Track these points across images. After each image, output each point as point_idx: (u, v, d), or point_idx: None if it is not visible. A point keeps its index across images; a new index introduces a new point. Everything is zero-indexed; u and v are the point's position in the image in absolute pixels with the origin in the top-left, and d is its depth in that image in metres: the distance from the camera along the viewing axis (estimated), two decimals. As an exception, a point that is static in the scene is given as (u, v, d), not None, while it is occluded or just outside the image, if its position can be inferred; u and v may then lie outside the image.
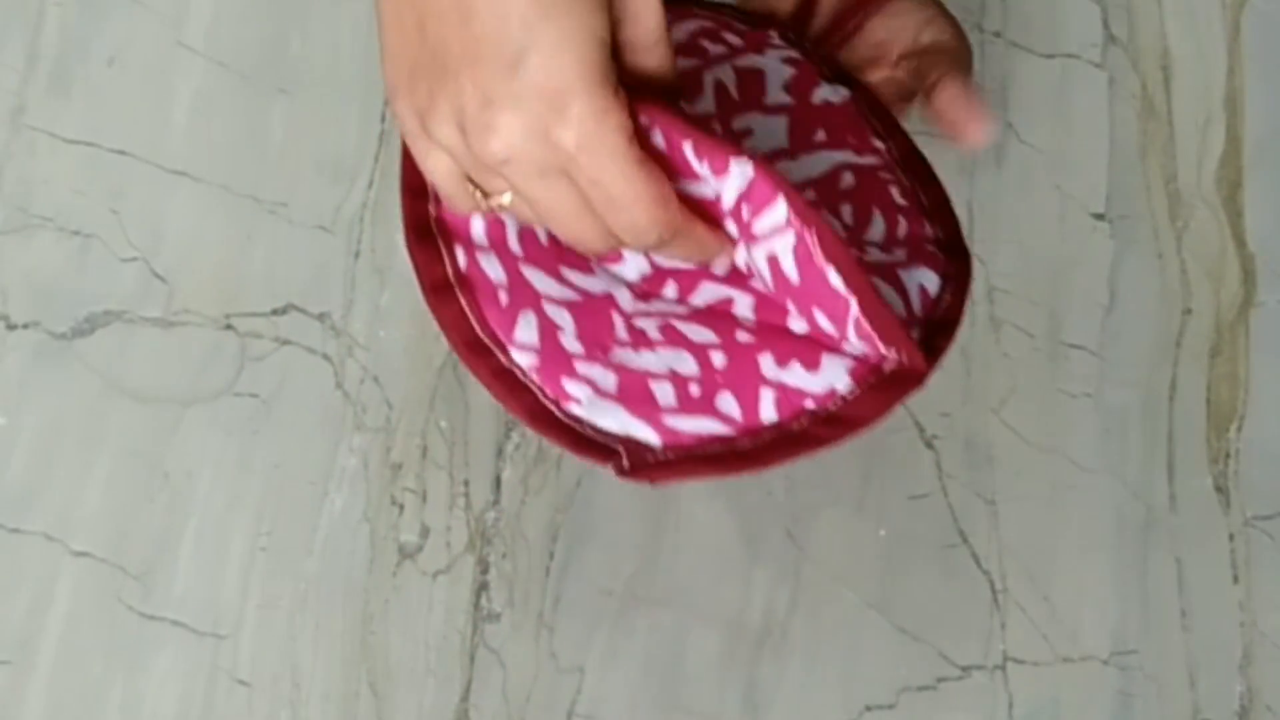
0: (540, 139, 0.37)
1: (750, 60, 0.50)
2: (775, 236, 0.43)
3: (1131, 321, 0.60)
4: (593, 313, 0.46)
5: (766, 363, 0.45)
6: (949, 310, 0.46)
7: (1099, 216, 0.61)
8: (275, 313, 0.58)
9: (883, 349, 0.43)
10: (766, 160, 0.42)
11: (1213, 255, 0.61)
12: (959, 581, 0.56)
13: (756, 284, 0.46)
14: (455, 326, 0.44)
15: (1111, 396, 0.58)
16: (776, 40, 0.52)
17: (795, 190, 0.42)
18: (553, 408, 0.44)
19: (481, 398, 0.57)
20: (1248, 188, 0.62)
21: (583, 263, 0.47)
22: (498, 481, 0.56)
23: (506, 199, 0.40)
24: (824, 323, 0.44)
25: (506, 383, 0.44)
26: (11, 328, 0.57)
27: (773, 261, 0.44)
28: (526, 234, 0.47)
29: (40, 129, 0.60)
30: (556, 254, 0.47)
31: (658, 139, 0.43)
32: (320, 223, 0.59)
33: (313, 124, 0.60)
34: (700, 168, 0.43)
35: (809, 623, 0.54)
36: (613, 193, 0.38)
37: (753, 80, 0.50)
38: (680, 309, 0.47)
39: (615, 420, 0.44)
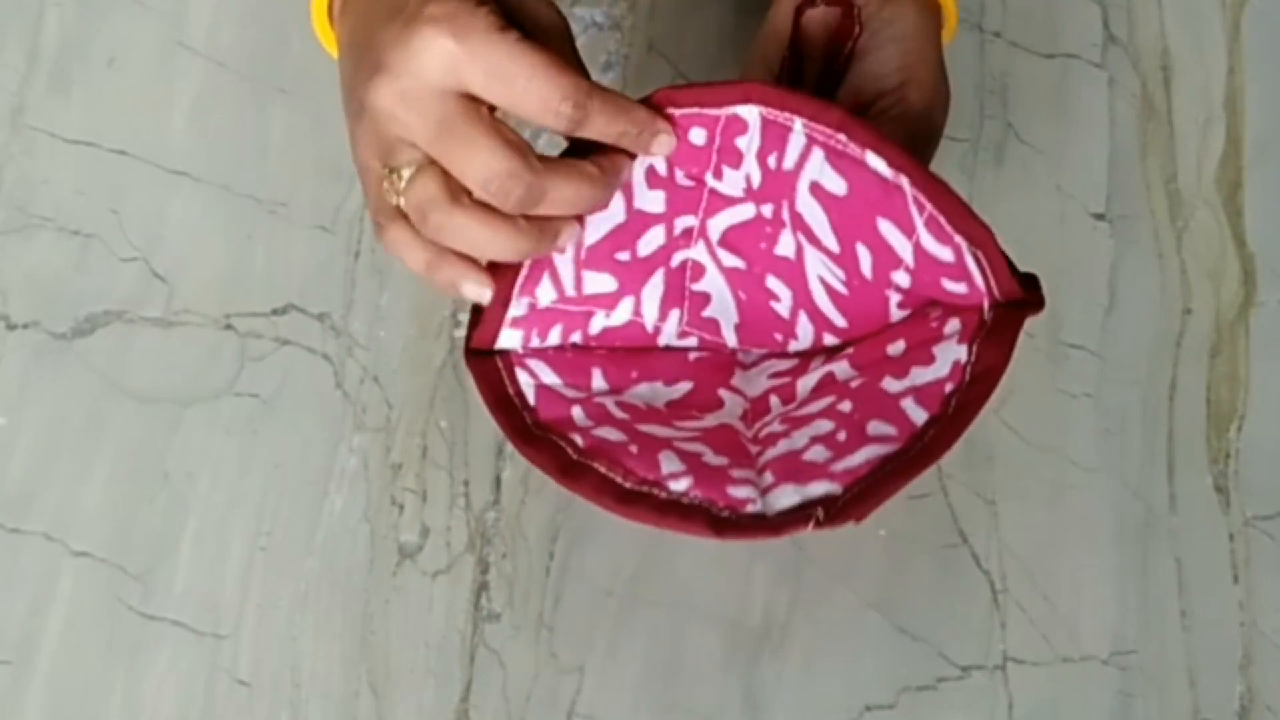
0: (419, 64, 0.39)
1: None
2: (807, 162, 0.43)
3: (1131, 321, 0.60)
4: (721, 438, 0.47)
5: (889, 383, 0.45)
6: (979, 360, 0.45)
7: (1099, 216, 0.61)
8: (275, 313, 0.58)
9: (972, 269, 0.43)
10: (768, 87, 0.43)
11: (1213, 255, 0.61)
12: (959, 581, 0.56)
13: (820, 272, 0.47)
14: (601, 491, 0.44)
15: (1111, 396, 0.58)
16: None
17: (804, 102, 0.42)
18: (729, 514, 0.43)
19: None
20: (1248, 188, 0.62)
21: (689, 415, 0.48)
22: (498, 481, 0.56)
23: (407, 172, 0.42)
24: (896, 241, 0.44)
25: (677, 512, 0.43)
26: (11, 328, 0.57)
27: (817, 190, 0.44)
28: (626, 405, 0.48)
29: (40, 129, 0.60)
30: (661, 415, 0.48)
31: (679, 170, 0.44)
32: (320, 223, 0.59)
33: (313, 124, 0.60)
34: (722, 166, 0.43)
35: (809, 623, 0.54)
36: (508, 74, 0.39)
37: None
38: (791, 407, 0.48)
39: (790, 497, 0.43)
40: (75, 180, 0.59)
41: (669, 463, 0.44)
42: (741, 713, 0.54)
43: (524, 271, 0.47)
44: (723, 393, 0.49)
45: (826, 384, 0.48)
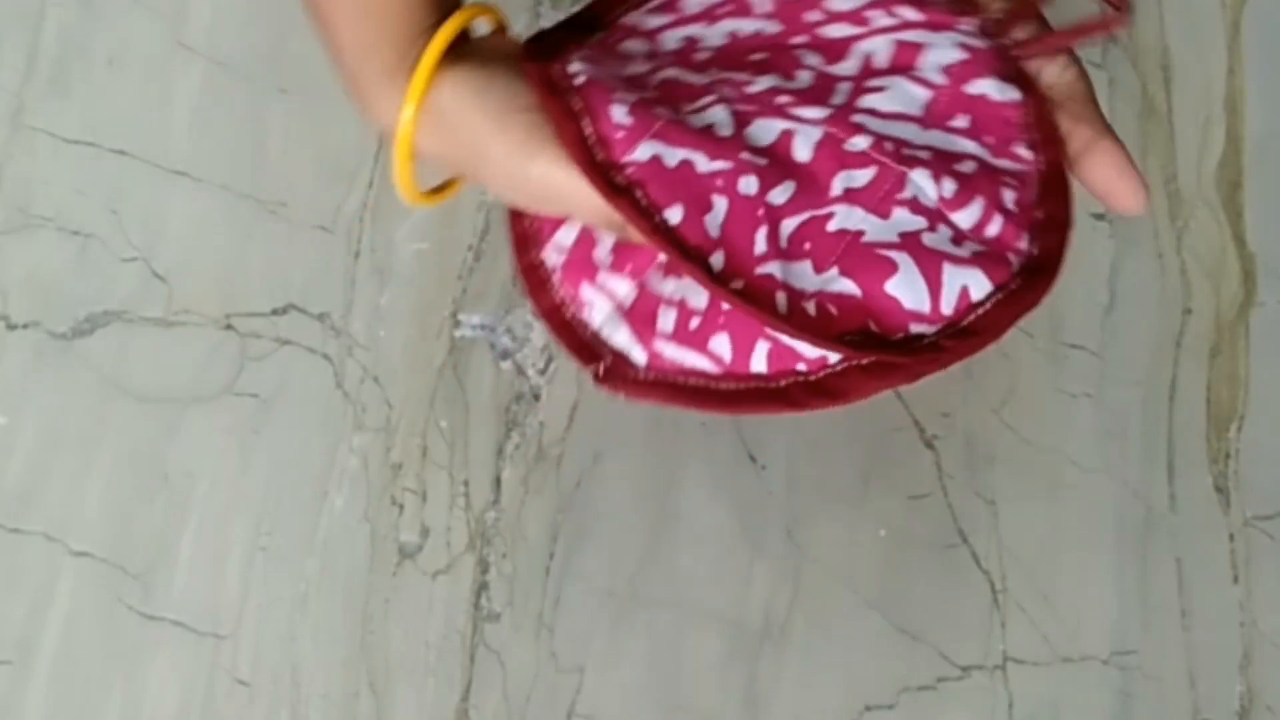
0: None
1: (918, 35, 0.50)
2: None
3: (1131, 321, 0.60)
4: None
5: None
6: (982, 319, 0.46)
7: (1099, 216, 0.61)
8: (275, 313, 0.58)
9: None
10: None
11: (1213, 255, 0.61)
12: (959, 581, 0.56)
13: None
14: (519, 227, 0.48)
15: (1111, 396, 0.58)
16: (964, 28, 0.50)
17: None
18: (565, 311, 0.47)
19: (481, 398, 0.57)
20: (1248, 188, 0.62)
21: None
22: (498, 481, 0.56)
23: None
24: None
25: (533, 280, 0.47)
26: (11, 328, 0.57)
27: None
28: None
29: (40, 129, 0.60)
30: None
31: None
32: (320, 223, 0.59)
33: (313, 124, 0.60)
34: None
35: (809, 622, 0.54)
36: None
37: (909, 52, 0.50)
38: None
39: (623, 337, 0.46)
40: (75, 180, 0.59)
41: (564, 232, 0.49)
42: (741, 712, 0.54)
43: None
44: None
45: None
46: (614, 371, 0.46)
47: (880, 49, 0.49)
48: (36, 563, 0.54)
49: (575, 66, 0.47)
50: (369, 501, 0.56)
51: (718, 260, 0.45)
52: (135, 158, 0.60)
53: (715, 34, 0.50)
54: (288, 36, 0.62)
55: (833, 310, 0.45)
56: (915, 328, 0.45)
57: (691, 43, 0.50)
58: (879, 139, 0.47)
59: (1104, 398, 0.58)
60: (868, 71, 0.49)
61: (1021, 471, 0.57)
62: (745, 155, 0.46)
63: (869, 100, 0.48)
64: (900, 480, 0.57)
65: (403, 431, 0.57)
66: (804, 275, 0.46)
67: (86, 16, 0.61)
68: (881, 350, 0.44)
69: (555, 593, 0.55)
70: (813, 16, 0.50)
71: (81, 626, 0.54)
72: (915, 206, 0.46)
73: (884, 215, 0.46)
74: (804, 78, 0.48)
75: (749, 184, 0.46)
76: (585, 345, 0.47)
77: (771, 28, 0.51)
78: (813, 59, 0.49)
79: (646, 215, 0.45)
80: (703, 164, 0.46)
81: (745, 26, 0.51)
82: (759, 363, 0.45)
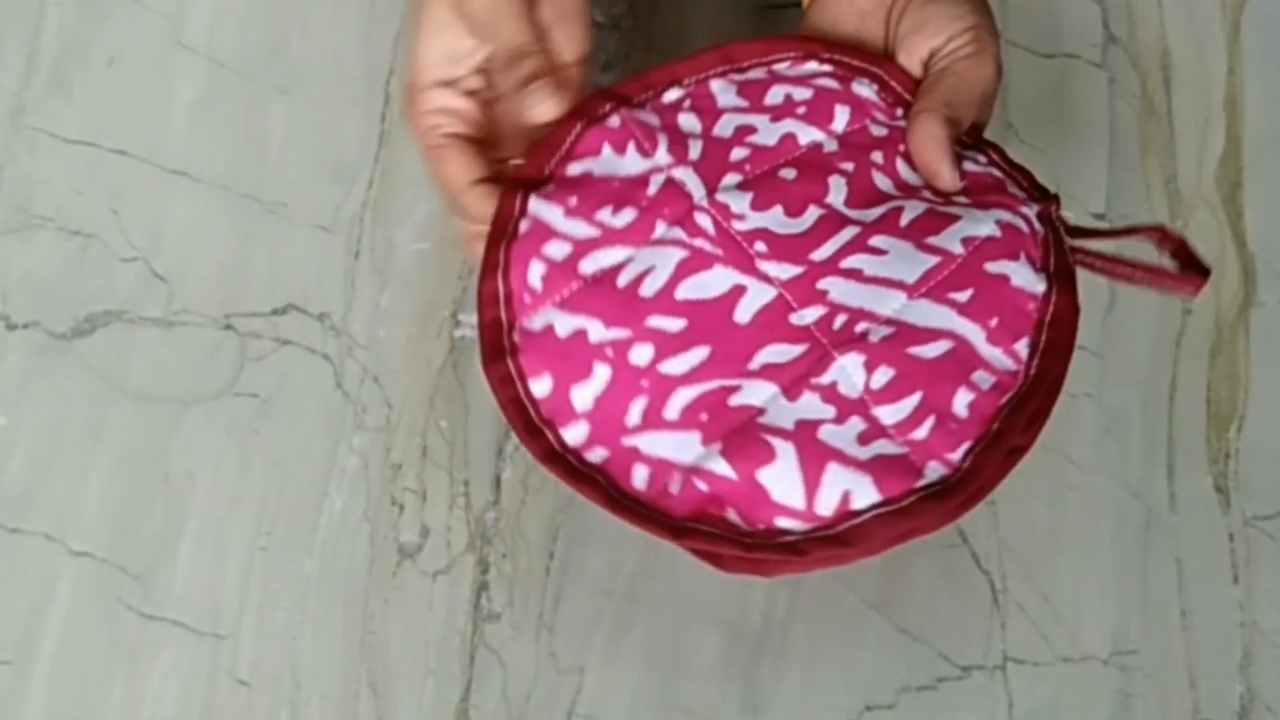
0: None
1: (957, 208, 0.47)
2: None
3: (1131, 321, 0.60)
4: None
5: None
6: (856, 530, 0.41)
7: (1099, 216, 0.61)
8: (275, 313, 0.58)
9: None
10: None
11: (1213, 255, 0.61)
12: (959, 581, 0.56)
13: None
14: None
15: (1111, 396, 0.58)
16: (1024, 209, 0.47)
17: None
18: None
19: (481, 398, 0.57)
20: (1248, 188, 0.62)
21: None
22: (498, 481, 0.56)
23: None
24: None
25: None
26: (11, 328, 0.57)
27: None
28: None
29: (40, 129, 0.60)
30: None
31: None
32: (320, 223, 0.59)
33: (313, 124, 0.60)
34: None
35: (809, 623, 0.54)
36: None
37: (937, 221, 0.47)
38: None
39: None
40: (75, 180, 0.59)
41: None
42: (741, 713, 0.54)
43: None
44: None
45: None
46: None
47: (911, 210, 0.46)
48: (36, 563, 0.54)
49: (533, 206, 0.47)
50: (369, 501, 0.56)
51: (579, 432, 0.44)
52: (135, 158, 0.60)
53: (771, 132, 0.49)
54: (288, 36, 0.62)
55: (701, 488, 0.43)
56: (782, 522, 0.42)
57: (744, 131, 0.49)
58: (833, 311, 0.44)
59: (1104, 398, 0.58)
60: (883, 225, 0.46)
61: (1021, 471, 0.57)
62: (653, 320, 0.45)
63: (858, 260, 0.45)
64: (900, 480, 0.57)
65: (403, 431, 0.57)
66: (687, 447, 0.43)
67: (86, 16, 0.61)
68: (716, 541, 0.42)
69: (555, 593, 0.55)
70: (875, 157, 0.49)
71: (81, 626, 0.54)
72: (829, 394, 0.43)
73: (792, 398, 0.43)
74: (810, 216, 0.47)
75: (641, 354, 0.44)
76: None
77: (831, 146, 0.49)
78: (839, 194, 0.47)
79: (509, 383, 0.45)
80: (596, 332, 0.45)
81: (804, 134, 0.49)
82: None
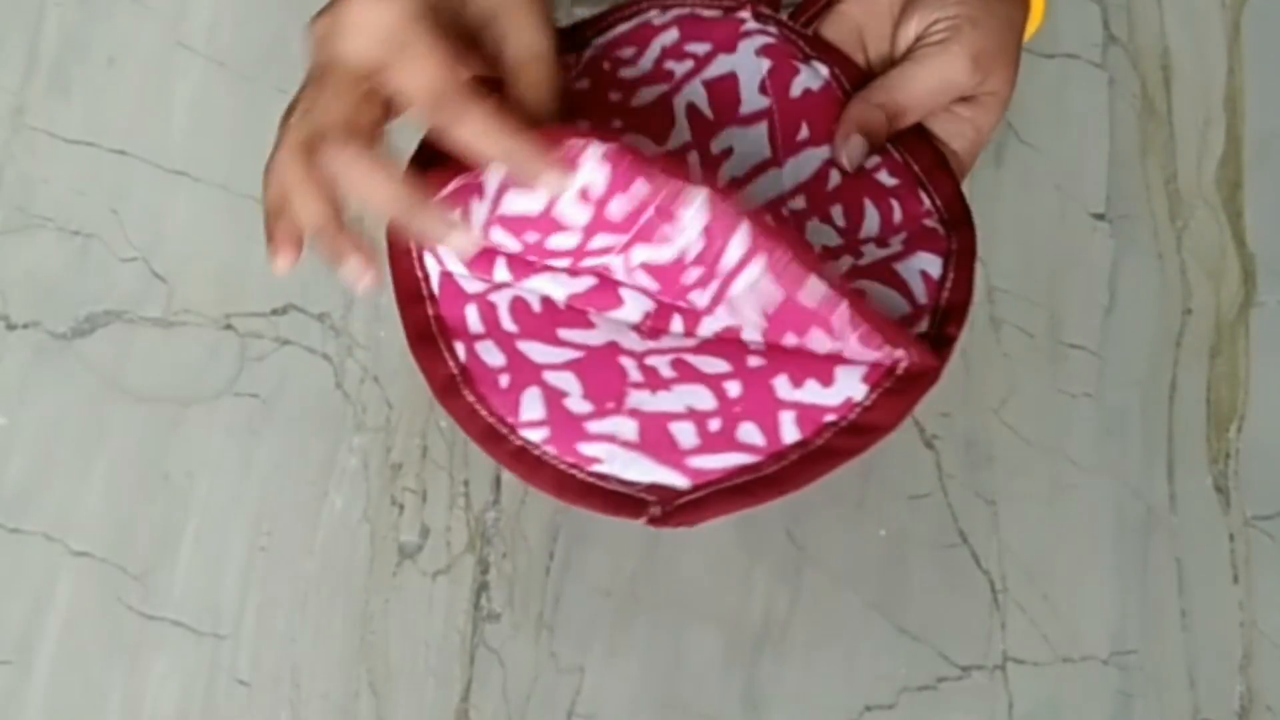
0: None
1: (721, 65, 0.49)
2: (749, 264, 0.43)
3: (1131, 321, 0.60)
4: (599, 366, 0.46)
5: (782, 385, 0.44)
6: (955, 292, 0.45)
7: (1099, 216, 0.61)
8: (275, 313, 0.58)
9: (891, 350, 0.43)
10: (722, 191, 0.43)
11: (1213, 255, 0.61)
12: (959, 581, 0.56)
13: (750, 317, 0.46)
14: (468, 420, 0.45)
15: (1111, 396, 0.58)
16: (750, 24, 0.50)
17: (756, 217, 0.42)
18: (576, 473, 0.44)
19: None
20: (1248, 188, 0.62)
21: (580, 319, 0.47)
22: (498, 481, 0.56)
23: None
24: (822, 341, 0.44)
25: (526, 462, 0.44)
26: (11, 328, 0.57)
27: (755, 292, 0.44)
28: (518, 306, 0.47)
29: (40, 129, 0.60)
30: (551, 319, 0.47)
31: (614, 206, 0.43)
32: (320, 223, 0.59)
33: (313, 124, 0.60)
34: (657, 224, 0.43)
35: (809, 623, 0.54)
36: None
37: (726, 91, 0.49)
38: (689, 342, 0.47)
39: (641, 470, 0.44)
40: (75, 180, 0.59)
41: (529, 407, 0.45)
42: (741, 713, 0.54)
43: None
44: (625, 292, 0.47)
45: (729, 342, 0.46)
46: (666, 507, 0.43)
47: (698, 98, 0.48)
48: (36, 563, 0.54)
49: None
50: (369, 501, 0.56)
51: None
52: (135, 158, 0.60)
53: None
54: (288, 36, 0.62)
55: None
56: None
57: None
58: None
59: (1104, 398, 0.58)
60: (700, 129, 0.48)
61: (1021, 471, 0.57)
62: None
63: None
64: (900, 480, 0.57)
65: (403, 431, 0.57)
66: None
67: (86, 16, 0.61)
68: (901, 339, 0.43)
69: (555, 593, 0.55)
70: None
71: (81, 626, 0.54)
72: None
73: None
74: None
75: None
76: (619, 497, 0.44)
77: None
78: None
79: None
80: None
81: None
82: (790, 432, 0.44)
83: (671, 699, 0.54)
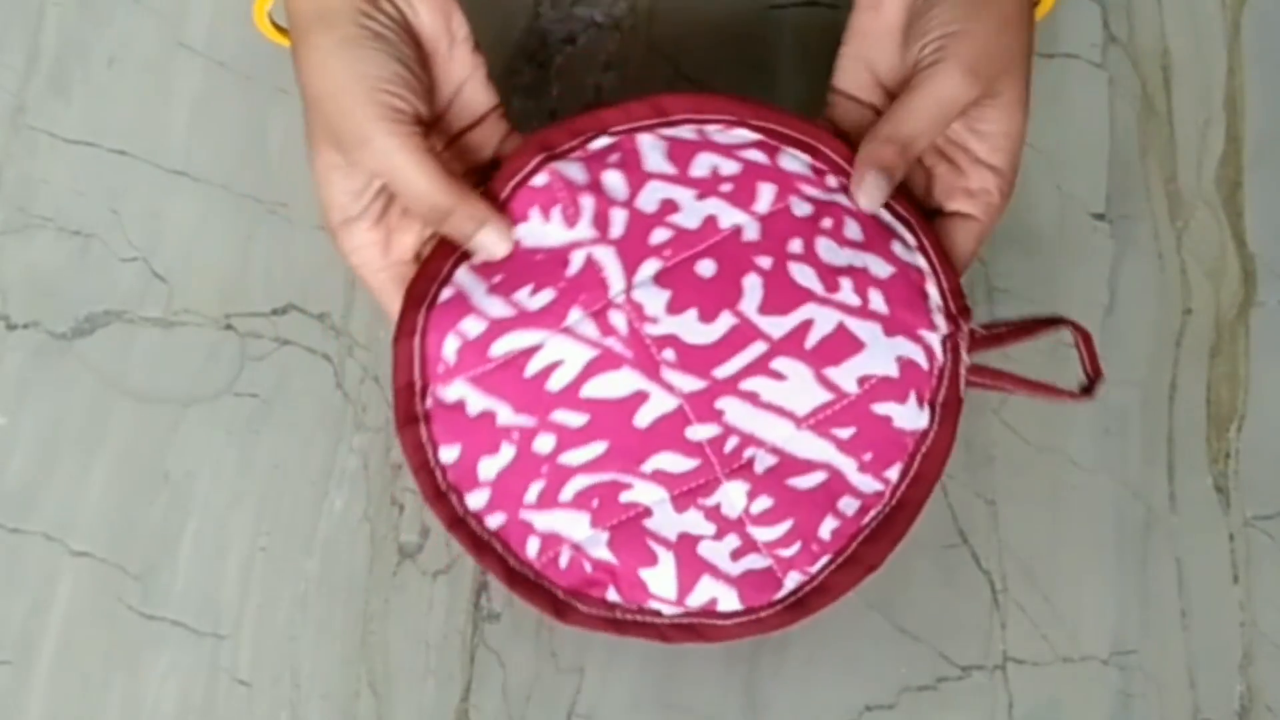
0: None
1: (867, 330, 0.49)
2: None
3: (1131, 321, 0.60)
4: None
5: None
6: (715, 629, 0.49)
7: (1099, 216, 0.61)
8: (275, 313, 0.58)
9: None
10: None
11: (1213, 255, 0.61)
12: (959, 581, 0.56)
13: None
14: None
15: (1111, 396, 0.58)
16: (928, 336, 0.50)
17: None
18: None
19: (481, 398, 0.57)
20: (1248, 188, 0.62)
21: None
22: (498, 481, 0.56)
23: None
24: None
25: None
26: (11, 328, 0.57)
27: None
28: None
29: (40, 129, 0.60)
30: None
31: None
32: (320, 223, 0.59)
33: (313, 124, 0.60)
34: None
35: (809, 623, 0.54)
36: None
37: (843, 345, 0.49)
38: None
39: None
40: (75, 180, 0.59)
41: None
42: (741, 713, 0.54)
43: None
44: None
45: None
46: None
47: (822, 323, 0.49)
48: (36, 563, 0.54)
49: (460, 275, 0.49)
50: (369, 501, 0.56)
51: (481, 497, 0.49)
52: (135, 158, 0.60)
53: (694, 212, 0.49)
54: (288, 36, 0.61)
55: (586, 567, 0.48)
56: (654, 604, 0.49)
57: (667, 207, 0.49)
58: (726, 433, 0.48)
59: (1104, 398, 0.58)
60: (790, 344, 0.48)
61: (1021, 471, 0.57)
62: (558, 415, 0.48)
63: (758, 383, 0.48)
64: (900, 480, 0.57)
65: (403, 431, 0.57)
66: (576, 526, 0.48)
67: (86, 16, 0.61)
68: (592, 622, 0.48)
69: (555, 593, 0.55)
70: (794, 246, 0.49)
71: (81, 626, 0.54)
72: (712, 514, 0.48)
73: (679, 509, 0.48)
74: (722, 324, 0.48)
75: (544, 443, 0.48)
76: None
77: (752, 232, 0.49)
78: (753, 299, 0.48)
79: (419, 450, 0.49)
80: (505, 416, 0.48)
81: (728, 217, 0.49)
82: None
83: (671, 699, 0.54)
